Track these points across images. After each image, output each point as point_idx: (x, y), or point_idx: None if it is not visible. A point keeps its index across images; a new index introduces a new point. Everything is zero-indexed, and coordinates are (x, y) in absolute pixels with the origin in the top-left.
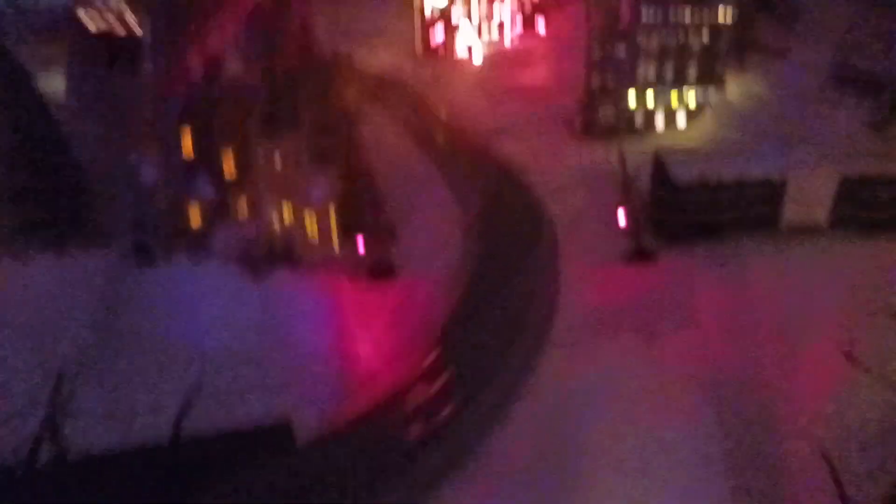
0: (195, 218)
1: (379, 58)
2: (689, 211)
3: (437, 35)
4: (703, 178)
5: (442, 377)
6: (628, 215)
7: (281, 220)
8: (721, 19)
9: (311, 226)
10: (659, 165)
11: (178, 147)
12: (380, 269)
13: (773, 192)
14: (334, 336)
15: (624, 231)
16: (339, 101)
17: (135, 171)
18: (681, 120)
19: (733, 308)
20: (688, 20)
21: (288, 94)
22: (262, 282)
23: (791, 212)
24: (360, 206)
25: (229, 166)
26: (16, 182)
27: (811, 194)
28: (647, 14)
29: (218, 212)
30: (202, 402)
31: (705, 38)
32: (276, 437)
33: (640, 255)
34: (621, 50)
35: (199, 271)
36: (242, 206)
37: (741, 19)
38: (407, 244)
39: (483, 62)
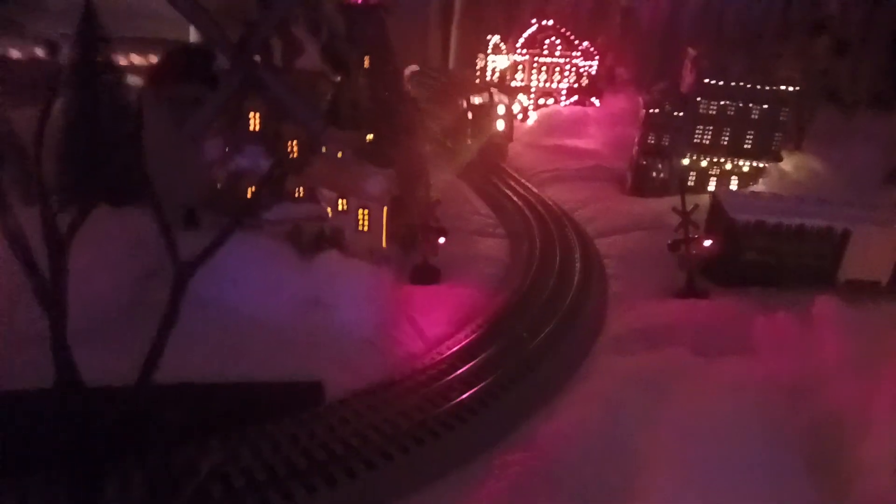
0: (250, 191)
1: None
2: (745, 254)
3: None
4: (762, 222)
5: (477, 362)
6: (683, 253)
7: (335, 207)
8: (784, 96)
9: (363, 218)
10: (717, 206)
11: (244, 122)
12: (424, 271)
13: (834, 244)
14: (371, 316)
15: (677, 269)
16: (406, 118)
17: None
18: (733, 184)
19: (789, 343)
20: (751, 92)
21: (360, 96)
22: (308, 259)
23: (851, 266)
24: (414, 210)
25: (292, 149)
26: (77, 145)
27: (874, 251)
28: (710, 80)
29: (274, 188)
30: (238, 357)
31: (766, 112)
32: (308, 392)
33: (692, 293)
34: (680, 113)
35: (245, 241)
36: (299, 188)
37: (804, 100)
38: (454, 255)
39: (536, 125)
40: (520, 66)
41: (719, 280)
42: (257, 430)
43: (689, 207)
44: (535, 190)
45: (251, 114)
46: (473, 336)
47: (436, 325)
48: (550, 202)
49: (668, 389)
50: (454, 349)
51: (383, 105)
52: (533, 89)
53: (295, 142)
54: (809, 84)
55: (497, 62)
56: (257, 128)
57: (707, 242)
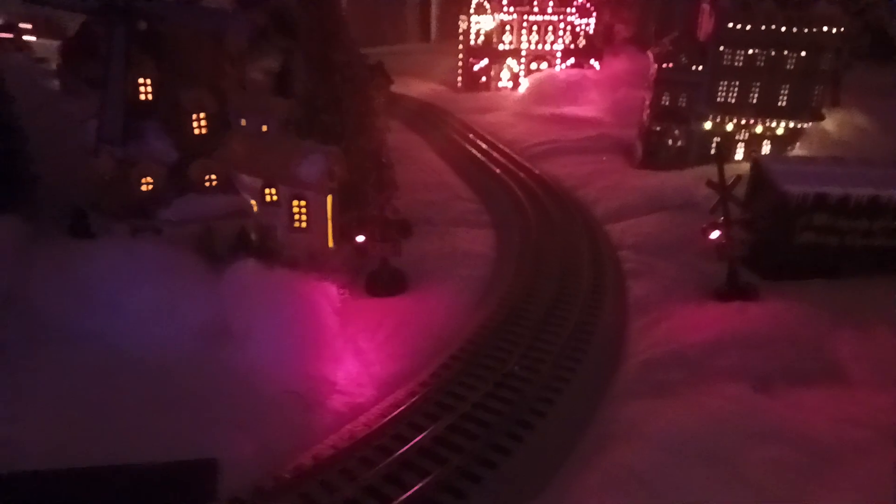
0: (147, 185)
1: (414, 89)
2: (802, 235)
3: (481, 64)
4: (824, 195)
5: (441, 424)
6: (722, 241)
7: (261, 199)
8: (825, 40)
9: (298, 212)
10: (760, 175)
11: (135, 97)
12: (383, 278)
13: None
14: (299, 350)
15: (716, 260)
16: (357, 80)
17: (83, 124)
18: (766, 150)
19: (871, 357)
20: (785, 36)
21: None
22: (221, 272)
23: None
24: (367, 197)
25: (199, 125)
26: None
27: None
28: (734, 25)
29: (177, 180)
30: (106, 422)
31: (803, 60)
32: (195, 476)
33: (736, 292)
34: (699, 67)
35: (139, 250)
36: (210, 175)
37: (846, 45)
38: (426, 253)
39: (528, 92)
40: (507, 27)
41: (768, 272)
42: None
43: (729, 180)
44: (528, 166)
45: (139, 80)
46: (443, 376)
47: (392, 357)
48: (548, 180)
49: (729, 454)
50: (414, 399)
51: (325, 69)
52: (524, 52)
53: (202, 114)
54: (852, 24)
55: (482, 23)
56: (149, 97)
57: (714, 234)
